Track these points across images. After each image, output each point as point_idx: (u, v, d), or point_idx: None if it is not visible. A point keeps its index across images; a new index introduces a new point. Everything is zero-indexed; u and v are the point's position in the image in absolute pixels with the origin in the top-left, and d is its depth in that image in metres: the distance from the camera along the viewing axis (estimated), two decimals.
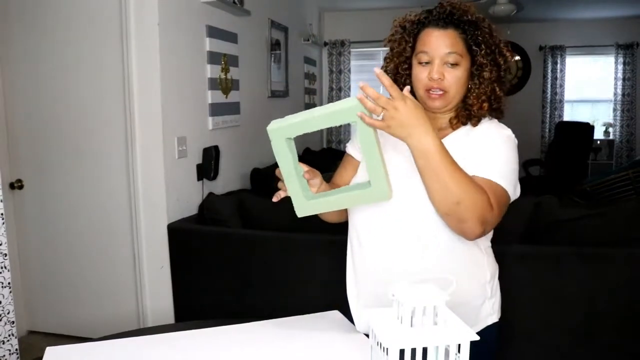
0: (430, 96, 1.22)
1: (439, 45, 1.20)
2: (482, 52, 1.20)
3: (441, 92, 1.21)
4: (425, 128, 1.06)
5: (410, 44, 1.26)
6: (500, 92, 1.23)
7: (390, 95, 1.04)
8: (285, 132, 1.10)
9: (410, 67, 1.27)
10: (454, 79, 1.20)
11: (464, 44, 1.20)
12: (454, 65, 1.20)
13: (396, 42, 1.28)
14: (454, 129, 1.26)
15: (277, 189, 1.24)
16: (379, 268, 1.26)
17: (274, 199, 1.24)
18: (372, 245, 1.28)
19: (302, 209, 1.20)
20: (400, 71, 1.29)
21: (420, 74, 1.23)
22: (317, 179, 1.25)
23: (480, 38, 1.20)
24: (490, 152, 1.20)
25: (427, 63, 1.22)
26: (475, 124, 1.24)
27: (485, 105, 1.22)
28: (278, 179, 1.21)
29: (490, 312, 1.30)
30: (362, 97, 1.03)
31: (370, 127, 1.05)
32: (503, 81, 1.25)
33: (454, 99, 1.23)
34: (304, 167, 1.20)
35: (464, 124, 1.25)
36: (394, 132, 1.06)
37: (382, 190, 1.11)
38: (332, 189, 1.23)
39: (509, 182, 1.18)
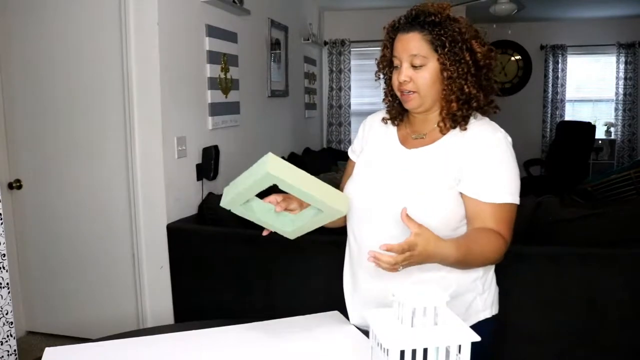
0: (404, 97, 1.27)
1: (404, 49, 1.24)
2: (445, 50, 1.21)
3: (413, 93, 1.25)
4: (440, 257, 1.11)
5: (389, 49, 1.31)
6: (470, 89, 1.23)
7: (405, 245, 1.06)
8: (236, 201, 1.20)
9: None
10: (421, 80, 1.24)
11: (429, 45, 1.22)
12: (421, 66, 1.23)
13: (383, 47, 1.34)
14: (443, 134, 1.28)
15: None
16: (373, 264, 1.27)
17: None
18: (366, 240, 1.30)
19: (291, 236, 1.32)
20: (388, 74, 1.35)
21: (393, 77, 1.29)
22: (294, 204, 1.30)
23: (443, 38, 1.21)
24: (493, 171, 1.21)
25: (398, 67, 1.27)
26: (463, 127, 1.25)
27: (454, 105, 1.24)
28: None
29: (482, 308, 1.31)
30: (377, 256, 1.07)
31: (284, 177, 1.10)
32: (479, 77, 1.24)
33: (426, 98, 1.26)
34: (274, 200, 1.25)
35: (453, 127, 1.27)
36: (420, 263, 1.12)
37: (333, 211, 1.18)
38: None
39: (516, 193, 1.23)
